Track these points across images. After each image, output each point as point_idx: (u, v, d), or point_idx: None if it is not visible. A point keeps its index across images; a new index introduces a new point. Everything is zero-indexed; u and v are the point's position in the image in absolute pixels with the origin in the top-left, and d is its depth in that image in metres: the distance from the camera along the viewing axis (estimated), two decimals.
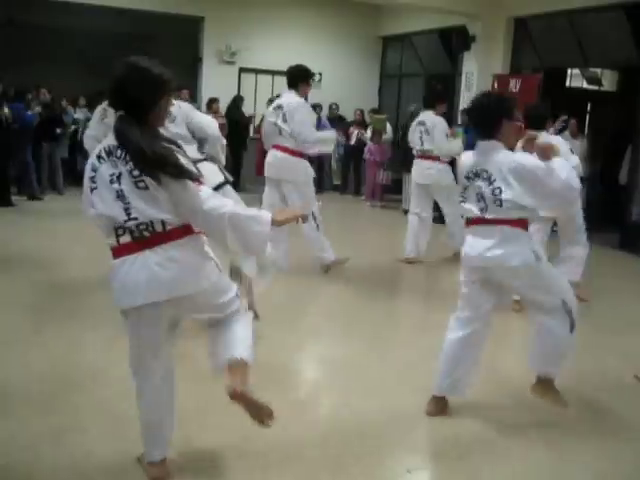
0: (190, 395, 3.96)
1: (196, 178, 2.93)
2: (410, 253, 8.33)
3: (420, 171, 8.46)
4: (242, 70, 14.96)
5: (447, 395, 4.23)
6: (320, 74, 15.14)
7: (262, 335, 4.54)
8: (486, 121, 4.00)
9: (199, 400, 4.10)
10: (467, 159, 4.14)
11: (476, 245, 4.03)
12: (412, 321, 6.35)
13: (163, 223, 2.94)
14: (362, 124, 14.23)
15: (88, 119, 12.17)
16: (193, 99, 13.93)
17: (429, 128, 8.34)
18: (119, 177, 2.93)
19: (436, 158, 8.37)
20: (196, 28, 14.95)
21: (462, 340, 4.13)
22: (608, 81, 15.39)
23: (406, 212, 12.04)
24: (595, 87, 15.26)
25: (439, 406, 4.21)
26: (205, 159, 5.15)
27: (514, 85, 11.29)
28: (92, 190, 2.99)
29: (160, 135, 3.00)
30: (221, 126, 7.15)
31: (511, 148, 4.10)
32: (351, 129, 14.16)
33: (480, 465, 3.69)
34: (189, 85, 14.02)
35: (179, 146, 3.04)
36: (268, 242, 3.09)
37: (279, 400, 3.68)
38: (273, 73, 14.75)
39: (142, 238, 2.94)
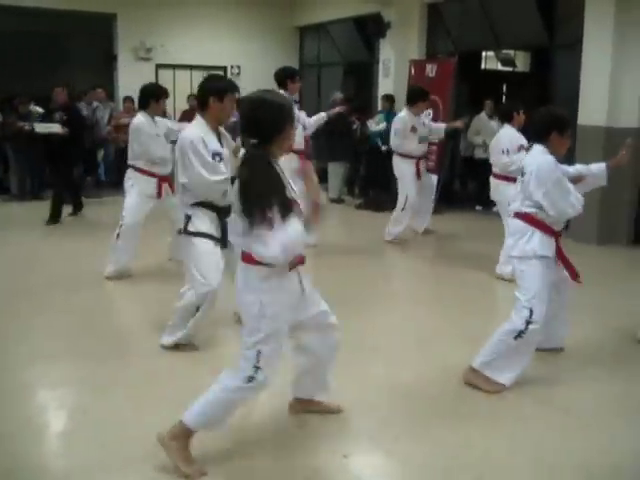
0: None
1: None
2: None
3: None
4: (159, 66, 14.76)
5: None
6: (239, 67, 15.08)
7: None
8: (537, 132, 4.56)
9: None
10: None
11: None
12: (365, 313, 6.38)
13: None
14: None
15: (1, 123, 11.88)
16: (109, 97, 13.67)
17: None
18: None
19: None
20: (109, 25, 14.66)
21: None
22: (521, 62, 15.74)
23: (332, 201, 12.16)
24: (509, 68, 15.59)
25: None
26: None
27: (430, 70, 11.41)
28: None
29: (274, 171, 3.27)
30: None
31: (560, 157, 4.53)
32: None
33: (413, 449, 3.75)
34: (104, 83, 13.75)
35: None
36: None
37: None
38: (191, 68, 14.62)
39: None
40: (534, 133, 4.63)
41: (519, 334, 4.34)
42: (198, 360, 4.88)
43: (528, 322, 4.33)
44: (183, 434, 3.45)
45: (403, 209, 8.90)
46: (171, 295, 5.04)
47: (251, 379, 3.36)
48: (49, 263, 7.68)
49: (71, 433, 3.92)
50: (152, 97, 6.84)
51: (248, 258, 3.32)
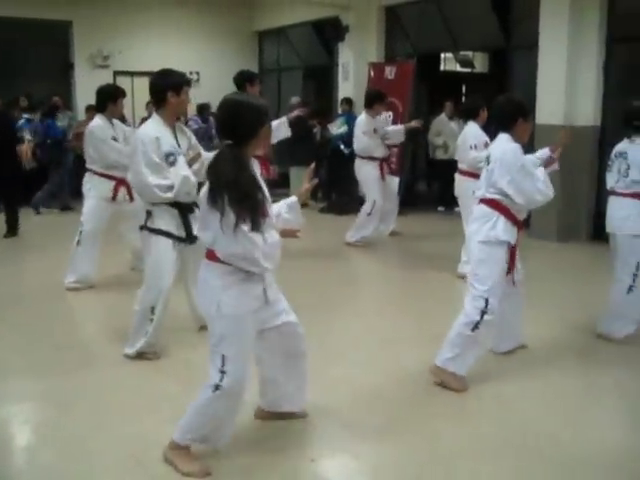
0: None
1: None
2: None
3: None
4: (117, 73, 14.62)
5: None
6: (198, 73, 14.98)
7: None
8: (503, 119, 4.61)
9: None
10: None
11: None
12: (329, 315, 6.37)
13: None
14: None
15: None
16: (67, 106, 13.51)
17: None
18: None
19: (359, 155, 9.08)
20: (65, 33, 14.49)
21: None
22: (480, 63, 15.90)
23: None
24: (468, 69, 15.74)
25: None
26: None
27: (389, 72, 11.46)
28: None
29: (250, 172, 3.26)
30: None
31: (523, 144, 4.56)
32: None
33: (380, 450, 3.76)
34: (62, 92, 13.57)
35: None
36: None
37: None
38: (150, 75, 14.46)
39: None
40: (499, 122, 4.67)
41: (476, 325, 4.38)
42: (161, 368, 4.85)
43: (483, 312, 4.38)
44: (174, 451, 3.48)
45: (369, 214, 8.91)
46: (131, 305, 4.99)
47: (217, 387, 3.33)
48: (9, 276, 7.55)
49: (36, 447, 3.86)
50: (109, 99, 6.76)
51: (212, 255, 3.30)
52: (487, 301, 4.38)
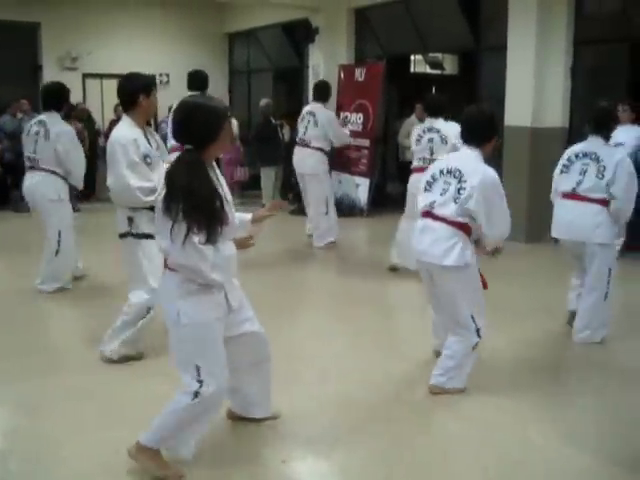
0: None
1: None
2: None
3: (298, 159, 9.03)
4: (86, 76, 14.52)
5: None
6: (167, 75, 14.92)
7: None
8: (479, 135, 4.33)
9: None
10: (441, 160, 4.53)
11: (419, 240, 4.35)
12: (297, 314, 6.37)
13: None
14: None
15: None
16: (35, 109, 13.37)
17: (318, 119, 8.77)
18: None
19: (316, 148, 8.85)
20: (33, 35, 14.36)
21: None
22: (449, 65, 15.99)
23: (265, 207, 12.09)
24: (438, 71, 15.82)
25: None
26: None
27: (359, 74, 11.51)
28: None
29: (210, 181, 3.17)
30: (79, 134, 7.07)
31: (487, 157, 4.41)
32: None
33: (351, 453, 3.76)
34: (30, 95, 13.44)
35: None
36: None
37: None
38: (119, 77, 14.37)
39: None
40: (472, 137, 4.34)
41: (476, 345, 4.41)
42: (135, 372, 4.81)
43: (478, 331, 4.37)
44: (141, 451, 3.41)
45: (327, 213, 8.89)
46: (105, 310, 4.95)
47: (197, 394, 3.27)
48: None
49: (6, 454, 3.80)
50: (62, 97, 6.78)
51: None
52: (477, 322, 4.37)
